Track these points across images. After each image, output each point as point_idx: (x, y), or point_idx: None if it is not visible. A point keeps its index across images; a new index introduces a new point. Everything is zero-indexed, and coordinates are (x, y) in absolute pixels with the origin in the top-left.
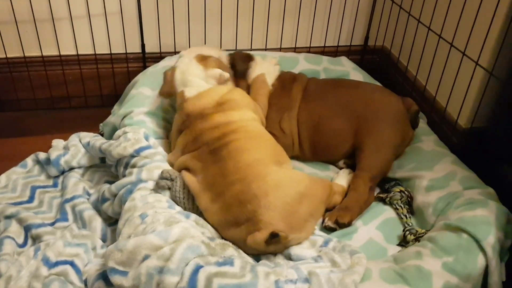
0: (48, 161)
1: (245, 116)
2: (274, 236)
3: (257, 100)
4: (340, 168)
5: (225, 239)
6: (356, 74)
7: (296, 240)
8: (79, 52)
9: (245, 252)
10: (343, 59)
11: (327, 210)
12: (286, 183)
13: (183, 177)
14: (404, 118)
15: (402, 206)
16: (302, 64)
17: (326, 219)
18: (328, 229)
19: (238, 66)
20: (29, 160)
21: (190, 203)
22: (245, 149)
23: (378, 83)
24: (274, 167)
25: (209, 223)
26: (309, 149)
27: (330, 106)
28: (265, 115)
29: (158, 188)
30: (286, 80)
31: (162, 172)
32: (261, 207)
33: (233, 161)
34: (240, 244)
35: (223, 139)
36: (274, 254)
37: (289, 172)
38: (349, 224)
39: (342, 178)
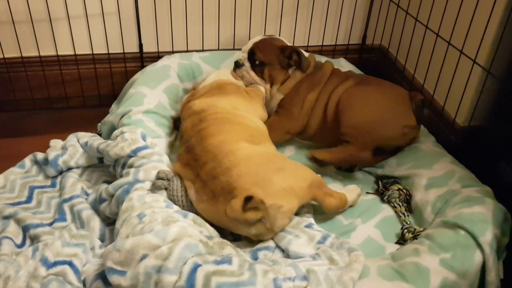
0: (46, 161)
1: (220, 103)
2: (248, 199)
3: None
4: None
5: (219, 232)
6: None
7: (277, 209)
8: (77, 52)
9: (237, 232)
10: (342, 61)
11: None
12: (256, 154)
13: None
14: (405, 101)
15: (401, 204)
16: None
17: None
18: (310, 160)
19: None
20: (27, 160)
21: (187, 202)
22: (210, 134)
23: None
24: (244, 144)
25: (204, 219)
26: (317, 126)
27: (344, 87)
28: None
29: (154, 189)
30: (318, 63)
31: (158, 173)
32: (233, 176)
33: (201, 146)
34: (225, 221)
35: (195, 128)
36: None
37: (262, 147)
38: (324, 163)
39: (348, 190)
